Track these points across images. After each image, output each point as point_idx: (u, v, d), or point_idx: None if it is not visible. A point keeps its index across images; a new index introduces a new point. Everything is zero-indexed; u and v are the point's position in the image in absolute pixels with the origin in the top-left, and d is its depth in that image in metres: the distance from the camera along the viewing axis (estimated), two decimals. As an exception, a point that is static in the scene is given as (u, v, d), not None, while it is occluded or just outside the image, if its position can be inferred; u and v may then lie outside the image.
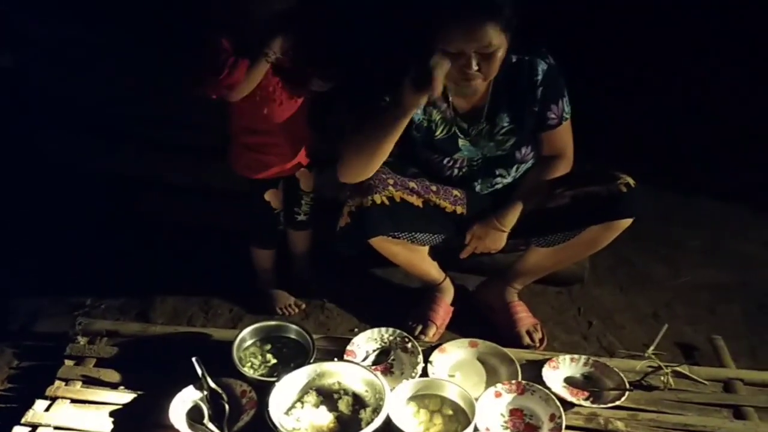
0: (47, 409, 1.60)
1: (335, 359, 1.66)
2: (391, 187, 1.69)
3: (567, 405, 1.59)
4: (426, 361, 1.71)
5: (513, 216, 1.76)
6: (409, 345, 1.76)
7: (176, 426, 1.49)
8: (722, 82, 3.22)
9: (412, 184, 1.74)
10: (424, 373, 1.67)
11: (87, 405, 1.62)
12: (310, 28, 1.74)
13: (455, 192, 1.81)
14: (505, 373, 1.68)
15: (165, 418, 1.51)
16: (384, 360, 1.74)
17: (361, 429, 1.43)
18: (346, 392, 1.58)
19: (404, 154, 1.76)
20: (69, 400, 1.62)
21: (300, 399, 1.57)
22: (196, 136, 2.83)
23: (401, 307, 2.00)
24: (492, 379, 1.68)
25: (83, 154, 2.88)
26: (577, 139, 1.79)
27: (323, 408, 1.54)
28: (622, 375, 1.66)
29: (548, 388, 1.60)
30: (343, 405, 1.55)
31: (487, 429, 1.52)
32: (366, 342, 1.78)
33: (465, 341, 1.77)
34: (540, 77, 1.66)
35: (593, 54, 3.16)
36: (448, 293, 2.01)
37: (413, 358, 1.72)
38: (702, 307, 2.08)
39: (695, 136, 2.93)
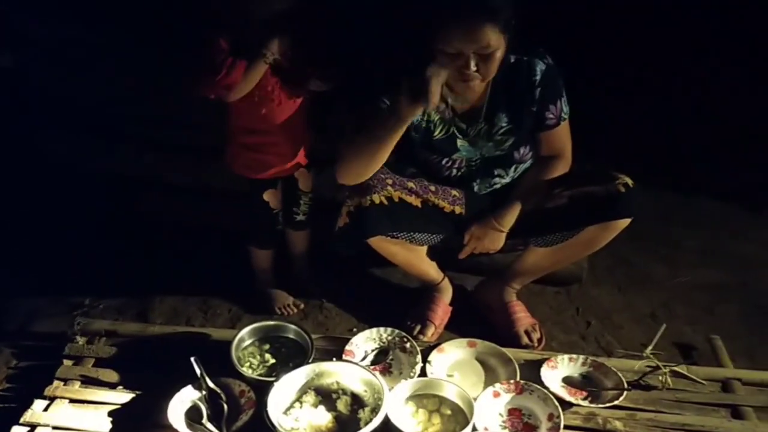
0: (46, 409, 1.60)
1: (334, 359, 1.66)
2: (389, 187, 1.69)
3: (565, 405, 1.59)
4: (424, 360, 1.71)
5: (511, 216, 1.77)
6: (408, 345, 1.76)
7: (175, 426, 1.49)
8: (722, 82, 3.22)
9: (410, 184, 1.74)
10: (423, 373, 1.68)
11: (85, 405, 1.62)
12: (309, 28, 1.74)
13: (454, 192, 1.81)
14: (503, 372, 1.69)
15: (164, 417, 1.51)
16: (383, 360, 1.74)
17: (360, 429, 1.43)
18: (344, 392, 1.58)
19: (403, 154, 1.76)
20: (67, 400, 1.62)
21: (299, 399, 1.57)
22: (196, 136, 2.83)
23: (400, 307, 2.00)
24: (490, 378, 1.69)
25: (83, 154, 2.89)
26: (576, 139, 1.79)
27: (322, 408, 1.54)
28: (620, 375, 1.66)
29: (546, 388, 1.61)
30: (342, 405, 1.55)
31: (486, 429, 1.52)
32: (365, 342, 1.78)
33: (463, 341, 1.77)
34: (538, 77, 1.67)
35: (593, 54, 3.16)
36: (447, 293, 2.02)
37: (412, 358, 1.72)
38: (700, 307, 2.09)
39: (694, 136, 2.93)
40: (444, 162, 1.79)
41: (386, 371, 1.72)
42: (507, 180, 1.84)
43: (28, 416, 1.56)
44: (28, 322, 2.01)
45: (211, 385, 1.58)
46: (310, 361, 1.63)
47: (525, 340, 1.89)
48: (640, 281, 2.20)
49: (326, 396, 1.58)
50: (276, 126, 1.82)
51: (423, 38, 1.55)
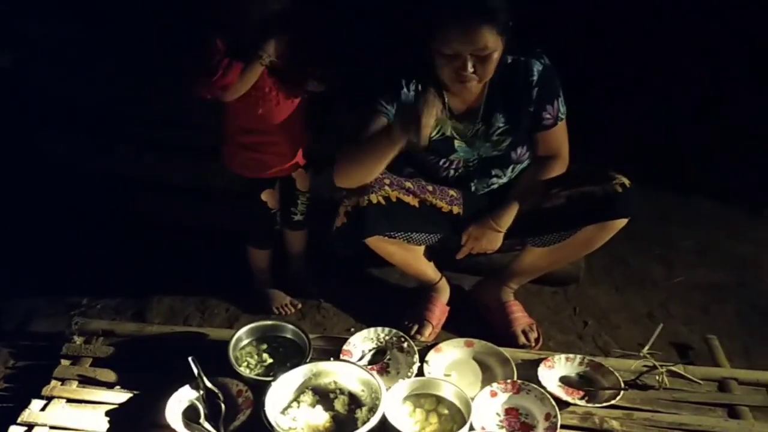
0: (43, 409, 1.60)
1: (331, 359, 1.66)
2: (387, 187, 1.69)
3: (562, 404, 1.59)
4: (422, 360, 1.71)
5: (509, 216, 1.77)
6: (405, 344, 1.76)
7: (172, 425, 1.49)
8: (720, 83, 3.22)
9: (408, 184, 1.74)
10: (420, 373, 1.68)
11: (83, 404, 1.62)
12: (306, 28, 1.74)
13: (451, 192, 1.81)
14: (500, 372, 1.69)
15: (161, 417, 1.51)
16: (380, 359, 1.74)
17: (357, 428, 1.43)
18: (342, 392, 1.59)
19: (400, 154, 1.77)
20: (65, 400, 1.62)
21: (296, 398, 1.57)
22: (195, 136, 2.83)
23: (397, 307, 2.01)
24: (488, 378, 1.69)
25: (83, 154, 2.89)
26: (574, 139, 1.79)
27: (319, 407, 1.54)
28: (617, 374, 1.66)
29: (544, 388, 1.61)
30: (339, 404, 1.55)
31: (483, 428, 1.53)
32: (362, 342, 1.78)
33: (461, 341, 1.77)
34: (535, 78, 1.67)
35: (592, 54, 3.17)
36: (444, 293, 2.02)
37: (409, 358, 1.73)
38: (697, 307, 2.09)
39: (692, 136, 2.94)
40: (441, 163, 1.79)
41: (384, 371, 1.72)
42: (504, 180, 1.84)
43: (25, 416, 1.56)
44: (26, 321, 2.01)
45: (208, 384, 1.58)
46: (307, 360, 1.63)
47: (522, 339, 1.90)
48: (638, 281, 2.20)
49: (324, 396, 1.58)
50: (274, 126, 1.82)
51: (421, 39, 1.55)
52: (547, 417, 1.54)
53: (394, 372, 1.72)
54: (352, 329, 1.95)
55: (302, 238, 2.10)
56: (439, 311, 1.98)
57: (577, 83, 1.77)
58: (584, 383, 1.68)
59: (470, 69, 1.54)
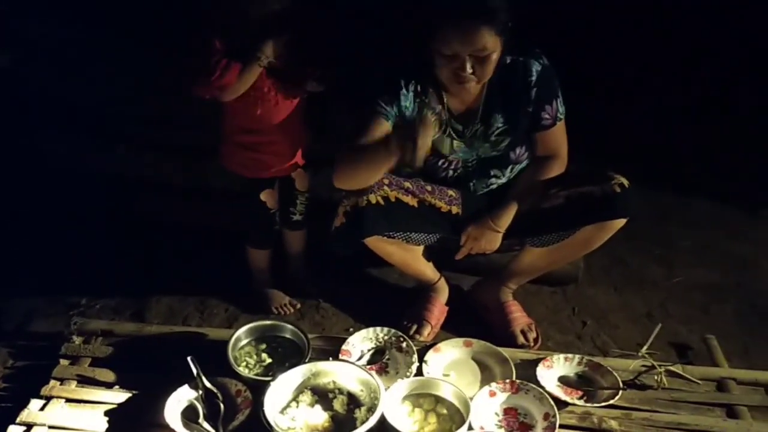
0: (42, 409, 1.60)
1: (330, 359, 1.67)
2: (386, 187, 1.69)
3: (561, 404, 1.59)
4: (421, 360, 1.71)
5: (508, 217, 1.77)
6: (404, 344, 1.76)
7: (171, 425, 1.49)
8: (718, 83, 3.23)
9: (407, 184, 1.74)
10: (419, 373, 1.68)
11: (82, 404, 1.62)
12: (306, 28, 1.75)
13: (450, 192, 1.81)
14: (499, 372, 1.69)
15: (160, 417, 1.51)
16: (379, 359, 1.74)
17: (356, 428, 1.43)
18: (341, 391, 1.59)
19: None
20: (64, 400, 1.62)
21: (295, 398, 1.57)
22: (194, 136, 2.83)
23: (396, 307, 2.01)
24: (486, 378, 1.69)
25: (83, 154, 2.89)
26: (574, 140, 1.79)
27: (318, 407, 1.55)
28: (615, 374, 1.67)
29: (542, 388, 1.61)
30: (338, 404, 1.56)
31: (482, 428, 1.53)
32: (361, 341, 1.78)
33: (460, 341, 1.77)
34: (534, 78, 1.67)
35: (592, 54, 3.17)
36: (443, 293, 2.02)
37: (408, 358, 1.73)
38: (696, 307, 2.09)
39: (691, 136, 2.94)
40: (440, 163, 1.79)
41: (383, 371, 1.72)
42: (503, 180, 1.85)
43: (24, 416, 1.56)
44: (25, 321, 2.01)
45: (207, 384, 1.58)
46: (306, 360, 1.63)
47: (521, 339, 1.90)
48: (636, 281, 2.21)
49: (323, 395, 1.58)
50: (272, 126, 1.82)
51: (420, 39, 1.56)
52: (546, 417, 1.55)
53: (393, 372, 1.72)
54: (351, 329, 1.95)
55: (301, 238, 2.11)
56: (438, 311, 1.98)
57: (576, 83, 1.77)
58: (583, 383, 1.68)
59: (469, 70, 1.54)
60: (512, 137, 1.75)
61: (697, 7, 3.26)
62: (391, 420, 1.47)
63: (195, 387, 1.58)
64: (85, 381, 1.68)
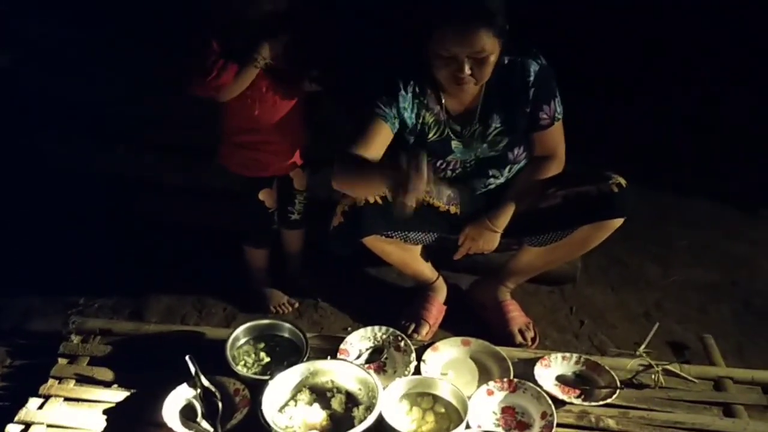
0: (40, 408, 1.60)
1: (328, 358, 1.67)
2: (384, 187, 1.70)
3: (558, 403, 1.60)
4: (419, 359, 1.71)
5: (505, 217, 1.77)
6: (402, 343, 1.77)
7: (169, 424, 1.49)
8: (716, 83, 3.23)
9: (406, 184, 1.74)
10: (417, 372, 1.68)
11: (80, 403, 1.62)
12: (304, 29, 1.75)
13: (449, 192, 1.81)
14: (497, 371, 1.69)
15: (158, 416, 1.51)
16: (377, 358, 1.75)
17: (354, 427, 1.43)
18: (339, 390, 1.59)
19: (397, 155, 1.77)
20: (62, 399, 1.62)
21: (293, 397, 1.57)
22: (194, 136, 2.83)
23: (394, 306, 2.01)
24: (484, 377, 1.69)
25: (82, 154, 2.89)
26: (573, 140, 1.79)
27: (316, 406, 1.55)
28: (613, 373, 1.67)
29: (540, 386, 1.61)
30: (336, 403, 1.56)
31: (479, 426, 1.53)
32: (359, 341, 1.78)
33: (457, 340, 1.78)
34: (532, 78, 1.67)
35: (591, 54, 3.17)
36: (441, 292, 2.02)
37: (406, 357, 1.73)
38: (693, 307, 2.10)
39: (688, 136, 2.95)
40: (438, 164, 1.79)
41: (381, 370, 1.72)
42: (502, 180, 1.85)
43: (22, 414, 1.56)
44: (24, 320, 2.01)
45: (205, 383, 1.58)
46: (304, 359, 1.64)
47: (519, 338, 1.90)
48: (634, 281, 2.21)
49: (321, 394, 1.59)
50: (270, 125, 1.82)
51: (419, 40, 1.56)
52: (544, 415, 1.55)
53: (391, 371, 1.72)
54: (349, 328, 1.96)
55: (299, 238, 2.11)
56: (436, 310, 1.98)
57: (575, 83, 1.78)
58: (580, 382, 1.69)
59: (467, 71, 1.54)
60: (510, 137, 1.75)
61: (697, 8, 3.26)
62: (389, 419, 1.47)
63: (193, 386, 1.58)
64: (83, 380, 1.68)
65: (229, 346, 1.68)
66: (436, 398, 1.58)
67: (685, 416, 1.60)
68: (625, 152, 2.66)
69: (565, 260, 1.95)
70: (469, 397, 1.56)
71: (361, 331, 1.80)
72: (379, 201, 1.68)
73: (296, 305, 2.07)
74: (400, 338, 1.78)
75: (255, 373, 1.67)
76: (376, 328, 1.81)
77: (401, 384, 1.58)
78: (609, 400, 1.60)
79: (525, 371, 1.68)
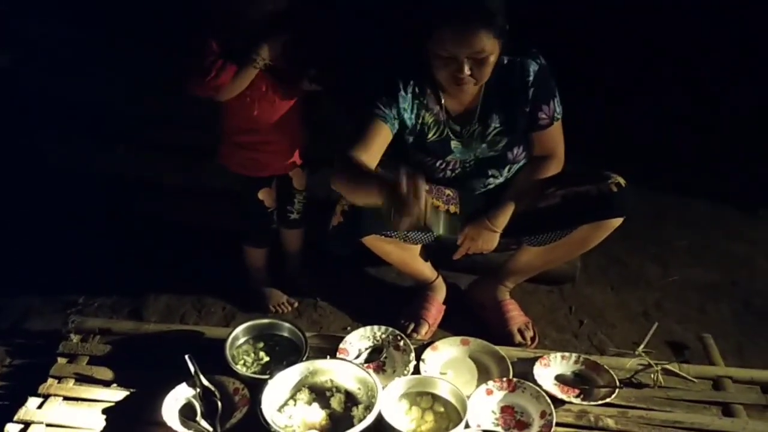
0: (40, 407, 1.60)
1: (328, 357, 1.67)
2: (383, 186, 1.69)
3: (558, 402, 1.60)
4: (418, 358, 1.71)
5: (505, 217, 1.77)
6: (402, 343, 1.77)
7: (169, 423, 1.49)
8: (715, 83, 3.23)
9: (405, 183, 1.74)
10: (416, 371, 1.68)
11: (79, 402, 1.62)
12: (304, 29, 1.75)
13: (448, 191, 1.82)
14: (496, 370, 1.69)
15: (158, 415, 1.51)
16: (376, 358, 1.75)
17: (353, 426, 1.44)
18: (338, 390, 1.59)
19: (396, 155, 1.77)
20: (62, 398, 1.62)
21: (292, 396, 1.57)
22: (194, 136, 2.83)
23: (394, 306, 2.01)
24: (483, 376, 1.69)
25: (82, 154, 2.89)
26: (572, 139, 1.79)
27: (316, 405, 1.55)
28: (612, 373, 1.67)
29: (539, 386, 1.61)
30: (336, 402, 1.56)
31: (479, 426, 1.53)
32: (359, 340, 1.79)
33: (457, 339, 1.78)
34: (531, 78, 1.67)
35: (590, 54, 3.17)
36: (441, 292, 2.02)
37: (405, 356, 1.73)
38: (692, 306, 2.10)
39: (688, 136, 2.95)
40: (438, 164, 1.79)
41: (380, 369, 1.72)
42: (501, 180, 1.85)
43: (22, 414, 1.57)
44: (23, 320, 2.01)
45: (205, 382, 1.58)
46: (304, 359, 1.64)
47: (518, 338, 1.90)
48: (633, 280, 2.21)
49: (320, 394, 1.59)
50: (270, 125, 1.83)
51: (419, 41, 1.56)
52: (543, 415, 1.55)
53: (390, 370, 1.72)
54: (349, 328, 1.96)
55: (299, 237, 2.11)
56: (436, 310, 1.98)
57: (575, 83, 1.78)
58: (580, 381, 1.69)
59: (467, 72, 1.54)
60: (510, 137, 1.75)
61: (696, 7, 3.27)
62: (389, 418, 1.47)
63: (193, 385, 1.58)
64: (82, 379, 1.68)
65: (228, 346, 1.68)
66: (435, 397, 1.58)
67: (684, 416, 1.60)
68: (624, 152, 2.65)
69: (565, 260, 1.95)
70: (469, 397, 1.56)
71: (361, 331, 1.80)
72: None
73: (295, 305, 2.07)
74: (399, 338, 1.78)
75: (254, 373, 1.67)
76: (376, 327, 1.81)
77: (400, 383, 1.58)
78: (608, 400, 1.60)
79: (524, 371, 1.68)
